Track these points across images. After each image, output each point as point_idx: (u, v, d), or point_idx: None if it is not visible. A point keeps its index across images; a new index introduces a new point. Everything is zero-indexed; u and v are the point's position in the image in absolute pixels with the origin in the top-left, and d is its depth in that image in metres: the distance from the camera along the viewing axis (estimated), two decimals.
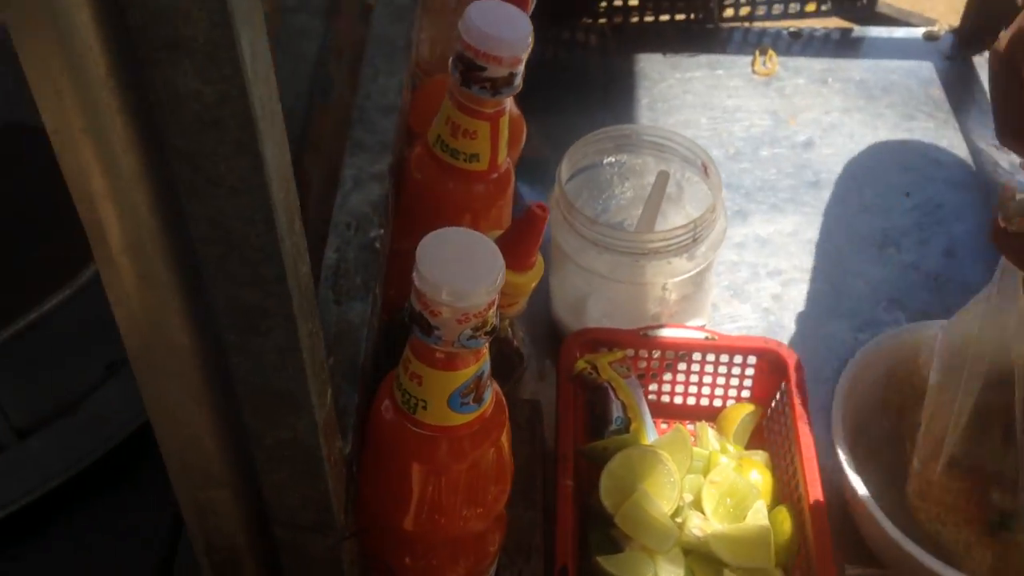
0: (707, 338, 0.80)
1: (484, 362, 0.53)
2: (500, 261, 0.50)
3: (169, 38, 0.32)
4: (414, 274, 0.49)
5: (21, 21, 0.33)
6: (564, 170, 0.81)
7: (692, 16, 1.21)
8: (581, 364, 0.78)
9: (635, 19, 1.22)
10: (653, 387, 0.83)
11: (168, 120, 0.34)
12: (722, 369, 0.81)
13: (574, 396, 0.77)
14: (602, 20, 1.22)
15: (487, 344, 0.52)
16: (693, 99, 1.12)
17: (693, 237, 0.77)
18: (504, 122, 0.65)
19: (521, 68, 0.62)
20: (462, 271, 0.49)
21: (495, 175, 0.68)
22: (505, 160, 0.68)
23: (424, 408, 0.53)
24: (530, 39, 0.61)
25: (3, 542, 0.74)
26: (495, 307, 0.50)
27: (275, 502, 0.50)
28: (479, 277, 0.49)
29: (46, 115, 0.36)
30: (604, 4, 1.22)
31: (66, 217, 0.40)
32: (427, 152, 0.67)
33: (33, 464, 0.77)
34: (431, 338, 0.50)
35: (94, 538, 0.76)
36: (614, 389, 0.77)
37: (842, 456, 0.72)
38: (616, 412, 0.76)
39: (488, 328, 0.50)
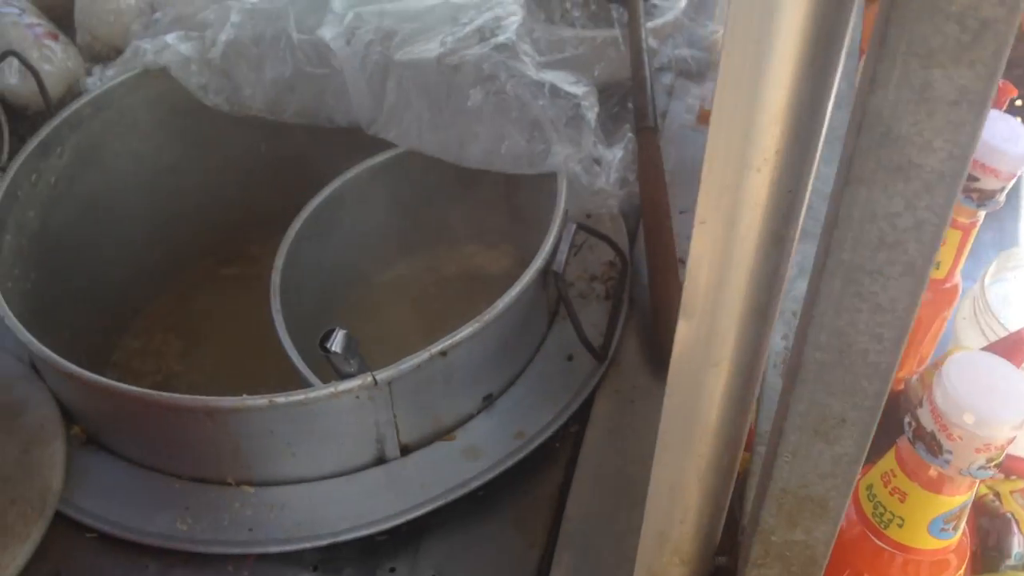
0: None
1: (975, 491, 0.51)
2: None
3: (896, 163, 0.32)
4: (935, 392, 0.47)
5: (718, 127, 0.34)
6: (991, 273, 0.77)
7: None
8: (983, 489, 0.74)
9: None
10: None
11: (844, 235, 0.34)
12: None
13: (969, 521, 0.73)
14: None
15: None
16: None
17: None
18: (974, 235, 0.63)
19: (1011, 184, 0.60)
20: (990, 399, 0.47)
21: (948, 285, 0.65)
22: (959, 273, 0.66)
23: (899, 526, 0.51)
24: None
25: (382, 555, 0.78)
26: (1013, 441, 0.48)
27: None
28: (1009, 408, 0.47)
29: (702, 205, 0.37)
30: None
31: None
32: None
33: (410, 482, 0.80)
34: (938, 460, 0.48)
35: (463, 563, 0.78)
36: (1017, 522, 0.72)
37: None
38: (1017, 547, 0.71)
39: (998, 460, 0.48)
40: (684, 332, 0.41)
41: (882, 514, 0.52)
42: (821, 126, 0.35)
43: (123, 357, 1.09)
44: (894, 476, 0.51)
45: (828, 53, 0.32)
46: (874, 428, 0.40)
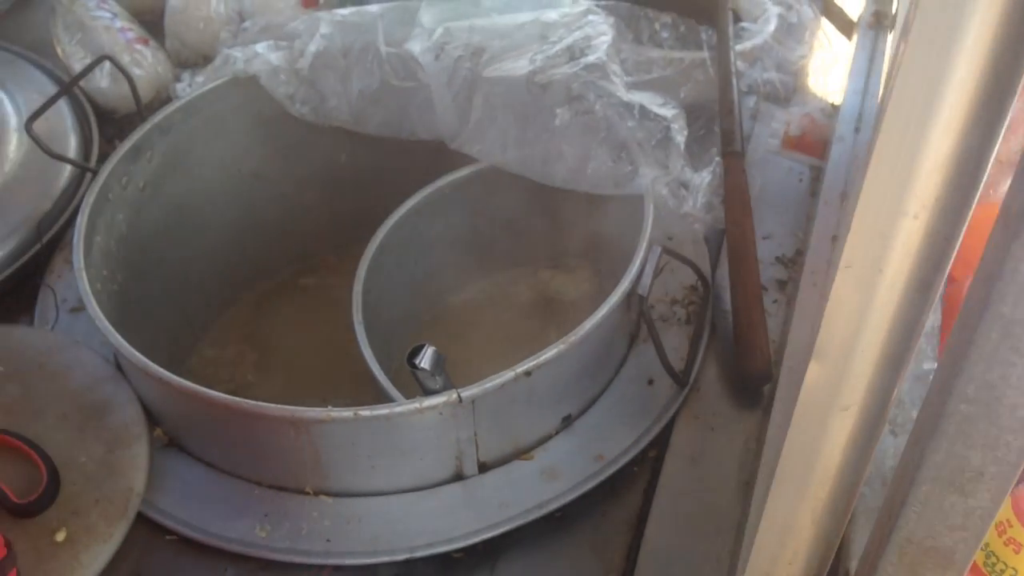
0: None
1: None
2: None
3: None
4: None
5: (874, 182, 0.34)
6: None
7: None
8: None
9: None
10: None
11: (1007, 288, 0.33)
12: None
13: None
14: None
15: None
16: None
17: None
18: None
19: None
20: None
21: None
22: None
23: None
24: None
25: (458, 573, 0.78)
26: None
27: None
28: None
29: (849, 249, 0.36)
30: None
31: None
32: None
33: (488, 500, 0.80)
34: None
35: None
36: None
37: None
38: None
39: None
40: (815, 374, 0.40)
41: (995, 564, 0.50)
42: (983, 174, 0.34)
43: (198, 364, 1.10)
44: (1010, 526, 0.49)
45: (1001, 100, 0.32)
46: (1013, 483, 0.39)
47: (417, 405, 0.74)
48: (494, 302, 1.10)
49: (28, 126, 0.86)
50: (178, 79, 1.08)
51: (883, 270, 0.36)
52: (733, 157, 0.96)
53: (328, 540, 0.78)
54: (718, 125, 1.00)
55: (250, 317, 1.14)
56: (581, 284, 1.09)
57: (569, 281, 1.09)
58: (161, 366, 0.78)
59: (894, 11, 1.17)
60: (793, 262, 0.97)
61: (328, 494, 0.80)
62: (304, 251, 1.16)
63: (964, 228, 0.36)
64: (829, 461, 0.44)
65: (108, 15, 1.10)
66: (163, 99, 1.09)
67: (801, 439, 0.43)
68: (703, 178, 0.89)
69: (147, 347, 0.80)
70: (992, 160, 0.34)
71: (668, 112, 0.90)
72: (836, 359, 0.39)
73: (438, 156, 0.99)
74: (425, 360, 0.72)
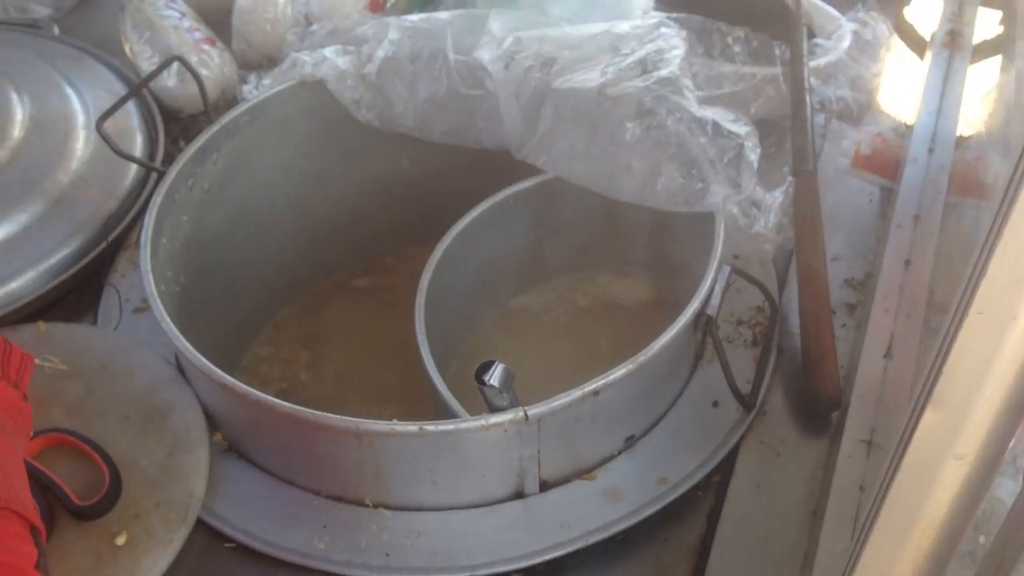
0: None
1: None
2: None
3: None
4: None
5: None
6: None
7: None
8: None
9: None
10: None
11: None
12: None
13: None
14: None
15: None
16: None
17: None
18: None
19: None
20: None
21: None
22: None
23: None
24: None
25: None
26: None
27: None
28: None
29: (983, 295, 0.35)
30: None
31: None
32: None
33: (550, 520, 0.79)
34: None
35: None
36: None
37: None
38: None
39: None
40: (931, 420, 0.39)
41: None
42: None
43: (252, 362, 1.11)
44: None
45: None
46: None
47: (483, 422, 0.73)
48: (551, 307, 1.09)
49: (99, 125, 0.86)
50: (244, 81, 1.08)
51: (1017, 318, 0.34)
52: (805, 176, 0.94)
53: (387, 554, 0.77)
54: (789, 142, 0.98)
55: (304, 317, 1.14)
56: (639, 290, 1.07)
57: (627, 287, 1.08)
58: (216, 366, 0.77)
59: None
60: (863, 285, 0.95)
61: (387, 507, 0.80)
62: (361, 253, 1.16)
63: None
64: (937, 510, 0.42)
65: (176, 14, 1.10)
66: (228, 100, 1.09)
67: (910, 486, 0.42)
68: (775, 197, 0.87)
69: (204, 347, 0.80)
70: None
71: (741, 129, 0.88)
72: (956, 407, 0.38)
73: (500, 165, 0.98)
74: (494, 377, 0.71)
